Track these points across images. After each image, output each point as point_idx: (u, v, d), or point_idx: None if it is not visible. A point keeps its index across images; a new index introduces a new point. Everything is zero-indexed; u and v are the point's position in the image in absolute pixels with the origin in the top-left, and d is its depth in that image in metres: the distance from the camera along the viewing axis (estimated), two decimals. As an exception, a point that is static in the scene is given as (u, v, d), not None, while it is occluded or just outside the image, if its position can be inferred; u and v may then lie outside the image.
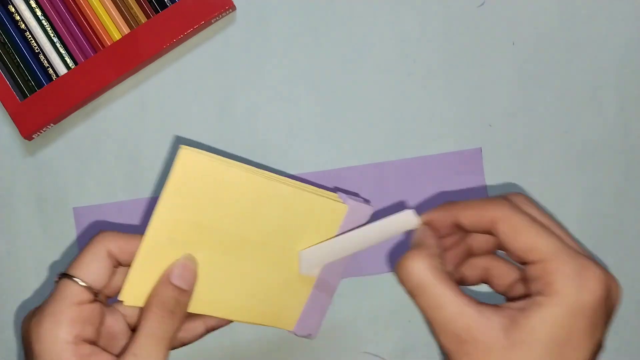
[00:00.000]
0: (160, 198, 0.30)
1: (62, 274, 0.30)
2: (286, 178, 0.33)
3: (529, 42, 0.46)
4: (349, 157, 0.46)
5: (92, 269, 0.30)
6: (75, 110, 0.46)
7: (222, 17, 0.46)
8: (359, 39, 0.46)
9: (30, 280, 0.46)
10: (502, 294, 0.32)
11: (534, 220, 0.28)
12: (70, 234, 0.46)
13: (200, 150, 0.30)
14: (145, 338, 0.29)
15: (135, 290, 0.30)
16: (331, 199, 0.35)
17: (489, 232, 0.29)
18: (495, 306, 0.27)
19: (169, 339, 0.29)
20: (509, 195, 0.30)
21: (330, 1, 0.46)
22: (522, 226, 0.27)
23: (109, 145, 0.46)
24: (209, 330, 0.35)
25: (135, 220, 0.46)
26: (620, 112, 0.46)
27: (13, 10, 0.45)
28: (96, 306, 0.30)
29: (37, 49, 0.45)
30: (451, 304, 0.26)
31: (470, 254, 0.32)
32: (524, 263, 0.28)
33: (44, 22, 0.45)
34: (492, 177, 0.46)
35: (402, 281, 0.28)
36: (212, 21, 0.46)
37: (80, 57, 0.45)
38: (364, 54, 0.46)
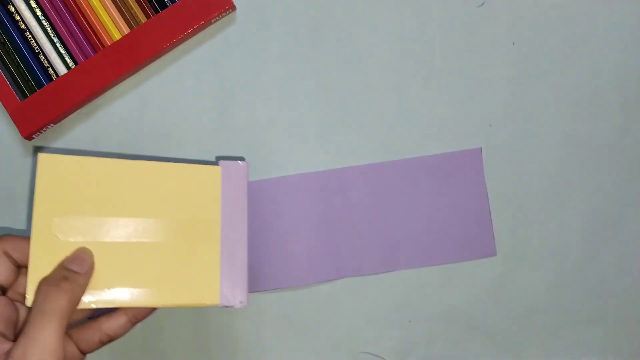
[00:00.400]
0: (34, 204, 0.31)
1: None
2: (156, 161, 0.34)
3: (529, 42, 0.46)
4: (349, 157, 0.46)
5: None
6: (75, 110, 0.46)
7: (222, 17, 0.46)
8: (359, 39, 0.46)
9: (30, 280, 0.46)
10: None
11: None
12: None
13: (58, 154, 0.32)
14: (34, 316, 0.29)
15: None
16: (204, 164, 0.36)
17: None
18: None
19: (59, 314, 0.30)
20: None
21: (330, 1, 0.46)
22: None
23: (109, 145, 0.46)
24: (133, 321, 0.35)
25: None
26: (620, 112, 0.46)
27: (13, 10, 0.45)
28: (3, 300, 0.32)
29: (37, 49, 0.45)
30: None
31: None
32: None
33: (44, 22, 0.45)
34: (492, 177, 0.46)
35: None
36: (212, 21, 0.46)
37: (80, 57, 0.45)
38: (364, 53, 0.46)
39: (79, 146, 0.46)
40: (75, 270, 0.32)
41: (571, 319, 0.45)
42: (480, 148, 0.46)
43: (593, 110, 0.46)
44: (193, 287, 0.36)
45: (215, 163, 0.37)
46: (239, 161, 0.38)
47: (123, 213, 0.33)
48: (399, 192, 0.46)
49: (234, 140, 0.46)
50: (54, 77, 0.45)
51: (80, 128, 0.46)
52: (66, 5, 0.45)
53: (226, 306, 0.37)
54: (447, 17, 0.46)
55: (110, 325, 0.34)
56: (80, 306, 0.32)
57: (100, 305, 0.33)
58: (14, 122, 0.44)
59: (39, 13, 0.45)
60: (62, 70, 0.45)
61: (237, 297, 0.37)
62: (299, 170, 0.46)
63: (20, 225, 0.46)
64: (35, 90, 0.44)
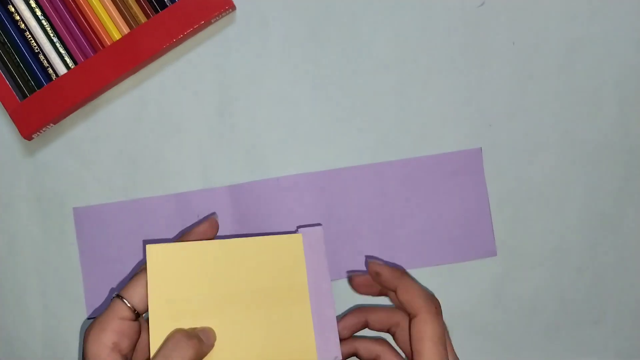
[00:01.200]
0: (149, 291, 0.35)
1: (117, 295, 0.36)
2: (238, 238, 0.38)
3: (529, 42, 0.46)
4: (349, 157, 0.46)
5: (138, 293, 0.35)
6: (75, 110, 0.46)
7: (222, 17, 0.46)
8: (358, 39, 0.46)
9: (31, 280, 0.46)
10: None
11: (432, 335, 0.36)
12: (70, 234, 0.46)
13: (164, 244, 0.36)
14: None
15: None
16: (286, 234, 0.40)
17: (388, 331, 0.40)
18: None
19: None
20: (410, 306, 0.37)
21: (330, 1, 0.46)
22: (423, 335, 0.36)
23: (109, 145, 0.46)
24: None
25: (135, 221, 0.46)
26: (620, 112, 0.46)
27: (13, 10, 0.45)
28: (135, 324, 0.35)
29: (37, 49, 0.45)
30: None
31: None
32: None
33: (43, 22, 0.45)
34: (492, 177, 0.46)
35: None
36: (212, 21, 0.46)
37: (80, 57, 0.45)
38: (363, 53, 0.46)
39: (79, 146, 0.46)
40: (202, 339, 0.35)
41: (571, 319, 0.45)
42: (480, 148, 0.46)
43: (593, 110, 0.46)
44: (291, 350, 0.38)
45: (295, 231, 0.40)
46: (315, 227, 0.41)
47: (225, 290, 0.37)
48: (399, 192, 0.46)
49: (234, 140, 0.46)
50: (54, 77, 0.45)
51: (80, 128, 0.46)
52: (66, 5, 0.45)
53: None
54: (447, 17, 0.46)
55: None
56: None
57: None
58: (13, 122, 0.44)
59: (38, 13, 0.45)
60: (61, 70, 0.45)
61: (332, 353, 0.39)
62: (299, 171, 0.46)
63: (19, 226, 0.46)
64: (35, 90, 0.44)
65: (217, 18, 0.46)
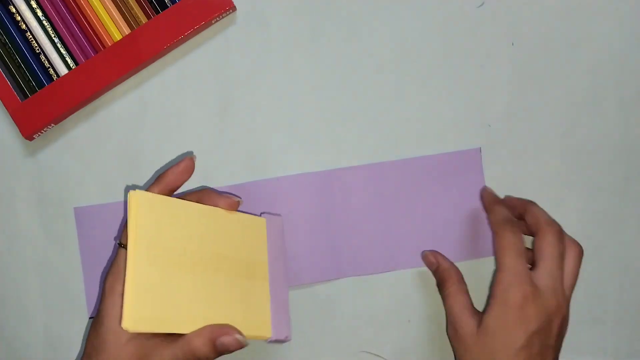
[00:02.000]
0: (129, 233, 0.35)
1: (119, 243, 0.38)
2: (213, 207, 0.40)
3: (528, 42, 0.46)
4: (349, 157, 0.46)
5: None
6: (76, 110, 0.46)
7: (223, 17, 0.46)
8: (358, 39, 0.47)
9: (31, 280, 0.46)
10: None
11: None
12: (70, 234, 0.46)
13: (148, 192, 0.37)
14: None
15: (133, 317, 0.34)
16: (255, 215, 0.42)
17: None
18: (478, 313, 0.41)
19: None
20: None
21: (330, 2, 0.47)
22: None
23: (110, 145, 0.46)
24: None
25: None
26: (620, 112, 0.46)
27: (14, 10, 0.45)
28: None
29: (38, 50, 0.45)
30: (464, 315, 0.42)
31: None
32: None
33: (44, 22, 0.45)
34: (492, 177, 0.46)
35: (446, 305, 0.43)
36: (213, 22, 0.46)
37: (81, 58, 0.45)
38: (363, 54, 0.46)
39: (80, 146, 0.46)
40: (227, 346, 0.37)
41: (571, 319, 0.45)
42: (480, 148, 0.46)
43: (593, 111, 0.46)
44: (248, 321, 0.39)
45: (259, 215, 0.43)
46: (276, 216, 0.43)
47: (193, 248, 0.38)
48: (398, 192, 0.46)
49: (234, 141, 0.46)
50: (55, 77, 0.45)
51: (81, 128, 0.47)
52: (67, 6, 0.45)
53: (275, 340, 0.40)
54: (447, 17, 0.46)
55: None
56: (151, 330, 0.35)
57: (170, 330, 0.36)
58: (14, 122, 0.44)
59: (39, 14, 0.45)
60: (62, 70, 0.45)
61: (284, 332, 0.41)
62: (299, 170, 0.46)
63: (20, 226, 0.46)
64: (36, 91, 0.45)
65: (218, 19, 0.46)
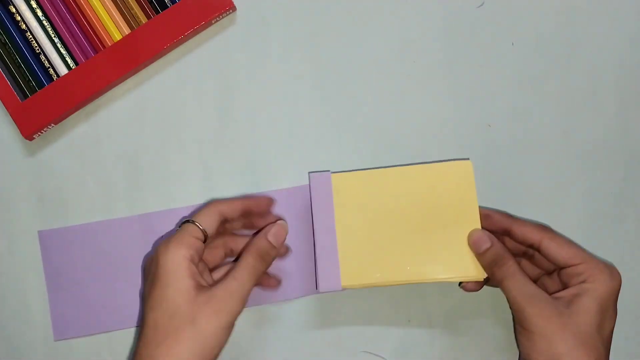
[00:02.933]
0: (335, 213, 0.43)
1: (186, 220, 0.40)
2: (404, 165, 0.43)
3: (528, 42, 0.46)
4: (348, 157, 0.46)
5: (206, 221, 0.40)
6: (76, 110, 0.46)
7: (223, 17, 0.46)
8: (358, 40, 0.47)
9: (31, 280, 0.46)
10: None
11: (569, 240, 0.41)
12: (70, 234, 0.46)
13: (344, 172, 0.44)
14: (243, 268, 0.39)
15: (347, 275, 0.42)
16: (454, 160, 0.43)
17: (531, 246, 0.42)
18: (557, 294, 0.40)
19: (257, 276, 0.40)
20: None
21: (330, 2, 0.47)
22: (564, 243, 0.41)
23: (110, 145, 0.46)
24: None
25: (100, 241, 0.45)
26: (620, 112, 0.46)
27: (14, 10, 0.45)
28: (203, 246, 0.40)
29: (38, 49, 0.45)
30: (531, 286, 0.39)
31: None
32: (562, 267, 0.40)
33: (44, 22, 0.45)
34: (492, 177, 0.46)
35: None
36: (213, 22, 0.46)
37: (81, 58, 0.45)
38: (363, 54, 0.46)
39: (80, 146, 0.46)
40: (272, 243, 0.41)
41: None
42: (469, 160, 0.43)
43: (593, 111, 0.46)
44: (458, 264, 0.42)
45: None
46: (325, 172, 0.44)
47: (389, 209, 0.43)
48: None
49: (234, 141, 0.46)
50: (55, 77, 0.45)
51: (81, 128, 0.47)
52: (67, 6, 0.45)
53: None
54: (447, 18, 0.46)
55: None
56: (367, 283, 0.42)
57: (379, 283, 0.42)
58: (14, 122, 0.44)
59: (39, 13, 0.45)
60: (62, 70, 0.45)
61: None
62: (299, 170, 0.46)
63: (19, 226, 0.46)
64: (36, 91, 0.45)
65: (218, 19, 0.46)
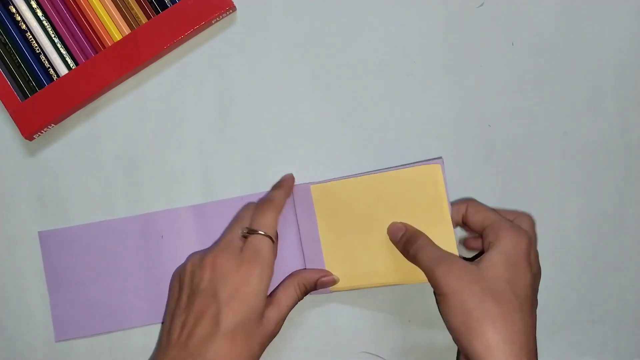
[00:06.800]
0: (317, 222, 0.44)
1: (263, 233, 0.41)
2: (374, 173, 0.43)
3: (528, 42, 0.46)
4: (348, 157, 0.46)
5: (273, 227, 0.42)
6: (76, 110, 0.46)
7: (223, 17, 0.46)
8: (358, 40, 0.47)
9: (31, 280, 0.46)
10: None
11: (488, 207, 0.42)
12: (70, 234, 0.46)
13: (321, 183, 0.44)
14: (288, 297, 0.42)
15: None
16: (426, 164, 0.42)
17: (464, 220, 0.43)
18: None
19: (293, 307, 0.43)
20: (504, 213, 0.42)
21: (330, 2, 0.47)
22: (481, 209, 0.42)
23: (110, 145, 0.47)
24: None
25: (100, 242, 0.46)
26: (619, 112, 0.46)
27: (14, 10, 0.45)
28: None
29: (38, 50, 0.45)
30: (440, 252, 0.40)
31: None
32: (481, 234, 0.41)
33: (44, 22, 0.45)
34: (492, 177, 0.46)
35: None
36: (213, 22, 0.46)
37: (81, 58, 0.45)
38: (363, 54, 0.46)
39: (80, 146, 0.46)
40: (317, 286, 0.43)
41: (571, 319, 0.45)
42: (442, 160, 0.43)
43: (593, 111, 0.46)
44: (409, 269, 0.42)
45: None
46: (306, 184, 0.45)
47: (371, 216, 0.43)
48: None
49: (235, 141, 0.46)
50: (55, 77, 0.45)
51: (81, 128, 0.47)
52: (67, 6, 0.45)
53: None
54: (447, 18, 0.46)
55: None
56: (351, 286, 0.44)
57: (348, 287, 0.44)
58: (14, 123, 0.44)
59: (39, 14, 0.45)
60: (63, 70, 0.45)
61: None
62: (298, 169, 0.46)
63: (19, 226, 0.46)
64: (36, 91, 0.45)
65: (218, 19, 0.46)
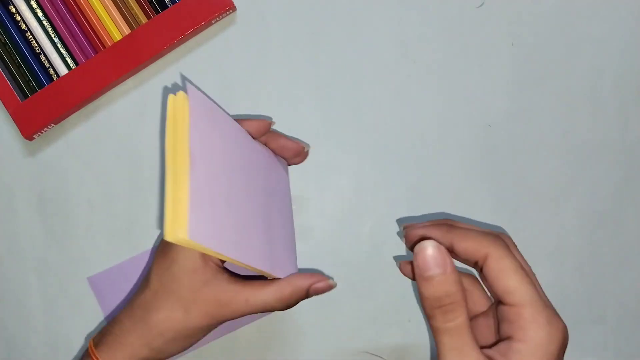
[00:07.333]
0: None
1: None
2: None
3: (528, 42, 0.46)
4: (348, 157, 0.46)
5: None
6: (76, 110, 0.46)
7: (223, 17, 0.46)
8: (358, 40, 0.47)
9: (31, 280, 0.46)
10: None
11: (520, 266, 0.30)
12: (72, 234, 0.46)
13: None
14: (273, 294, 0.36)
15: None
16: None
17: (475, 265, 0.32)
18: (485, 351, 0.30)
19: (275, 309, 0.37)
20: (501, 235, 0.32)
21: (330, 2, 0.47)
22: (510, 270, 0.30)
23: (110, 145, 0.47)
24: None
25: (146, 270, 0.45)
26: (619, 112, 0.46)
27: (14, 10, 0.45)
28: None
29: (38, 50, 0.45)
30: (473, 356, 0.29)
31: None
32: (499, 302, 0.31)
33: (44, 22, 0.45)
34: (492, 177, 0.46)
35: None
36: (213, 22, 0.46)
37: (81, 58, 0.45)
38: (363, 54, 0.46)
39: (80, 146, 0.46)
40: (310, 295, 0.37)
41: (571, 319, 0.45)
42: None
43: (593, 111, 0.46)
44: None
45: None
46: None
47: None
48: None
49: (234, 141, 0.46)
50: (55, 77, 0.45)
51: (81, 128, 0.47)
52: (67, 6, 0.45)
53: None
54: (447, 17, 0.46)
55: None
56: (208, 247, 0.30)
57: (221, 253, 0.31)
58: (15, 123, 0.44)
59: (39, 14, 0.45)
60: (63, 70, 0.45)
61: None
62: (298, 169, 0.46)
63: (20, 226, 0.46)
64: (36, 91, 0.45)
65: (218, 19, 0.46)
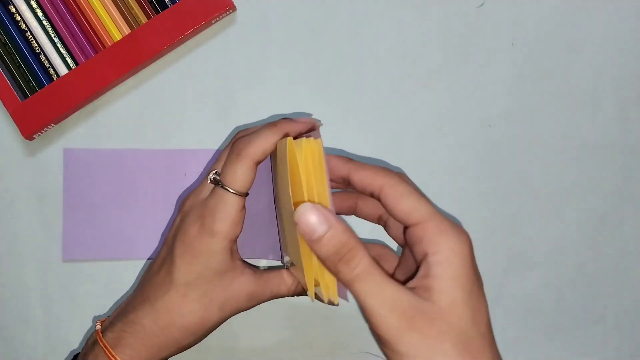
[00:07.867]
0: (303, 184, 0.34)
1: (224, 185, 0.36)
2: None
3: (528, 42, 0.46)
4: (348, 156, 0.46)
5: (245, 181, 0.36)
6: (76, 110, 0.46)
7: (223, 17, 0.46)
8: (358, 40, 0.47)
9: (31, 280, 0.46)
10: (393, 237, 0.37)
11: (415, 189, 0.32)
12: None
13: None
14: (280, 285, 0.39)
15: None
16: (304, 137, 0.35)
17: (372, 195, 0.33)
18: (409, 284, 0.30)
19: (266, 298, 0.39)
20: (393, 170, 0.34)
21: (330, 2, 0.47)
22: (406, 192, 0.31)
23: (110, 145, 0.46)
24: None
25: (123, 170, 0.45)
26: (619, 112, 0.46)
27: (14, 10, 0.45)
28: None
29: (38, 49, 0.45)
30: (391, 288, 0.29)
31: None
32: (405, 228, 0.32)
33: (44, 22, 0.45)
34: (492, 177, 0.46)
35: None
36: (213, 22, 0.46)
37: (81, 58, 0.45)
38: (363, 54, 0.46)
39: (80, 146, 0.46)
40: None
41: (571, 319, 0.45)
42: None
43: (593, 111, 0.46)
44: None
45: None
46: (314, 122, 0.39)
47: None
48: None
49: (234, 141, 0.46)
50: (55, 77, 0.45)
51: (81, 128, 0.47)
52: (67, 6, 0.45)
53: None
54: (447, 17, 0.46)
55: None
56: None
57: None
58: (14, 122, 0.44)
59: (39, 13, 0.45)
60: (63, 70, 0.45)
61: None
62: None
63: (19, 226, 0.46)
64: (36, 91, 0.44)
65: (218, 19, 0.46)
